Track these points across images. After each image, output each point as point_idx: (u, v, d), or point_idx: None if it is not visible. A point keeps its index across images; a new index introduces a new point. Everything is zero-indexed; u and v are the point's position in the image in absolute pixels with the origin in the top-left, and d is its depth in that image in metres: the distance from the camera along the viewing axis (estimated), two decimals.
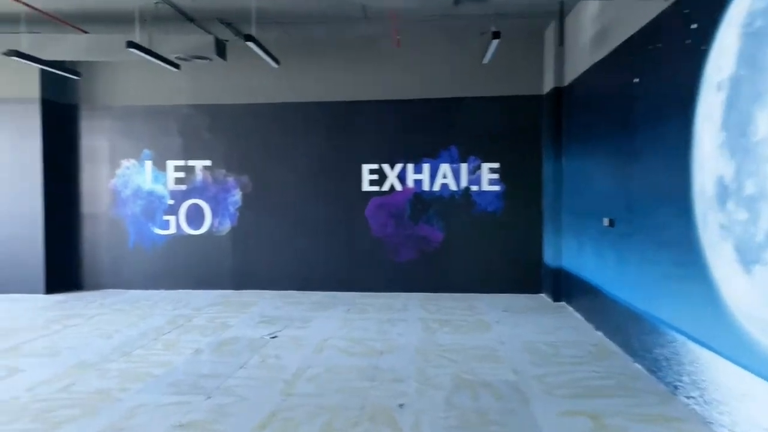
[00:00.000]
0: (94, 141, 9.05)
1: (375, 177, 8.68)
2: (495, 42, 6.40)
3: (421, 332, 6.30)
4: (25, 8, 6.98)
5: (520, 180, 8.45)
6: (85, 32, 7.89)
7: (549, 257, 8.01)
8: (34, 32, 7.75)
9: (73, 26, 7.76)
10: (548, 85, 8.06)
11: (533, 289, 8.42)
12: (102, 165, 9.05)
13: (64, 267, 8.88)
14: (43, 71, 8.38)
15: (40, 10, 7.04)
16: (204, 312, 7.39)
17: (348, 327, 6.56)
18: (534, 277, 8.41)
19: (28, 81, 8.43)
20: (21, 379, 4.79)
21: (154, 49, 6.79)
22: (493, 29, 6.24)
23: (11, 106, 8.49)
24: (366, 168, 8.68)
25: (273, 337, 6.10)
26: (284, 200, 8.80)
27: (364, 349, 5.66)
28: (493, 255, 8.48)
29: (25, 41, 7.46)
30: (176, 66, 7.39)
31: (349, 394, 4.41)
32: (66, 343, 5.93)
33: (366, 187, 8.69)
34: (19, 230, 8.52)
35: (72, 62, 8.47)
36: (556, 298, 7.82)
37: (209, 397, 4.34)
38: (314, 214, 8.75)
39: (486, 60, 7.29)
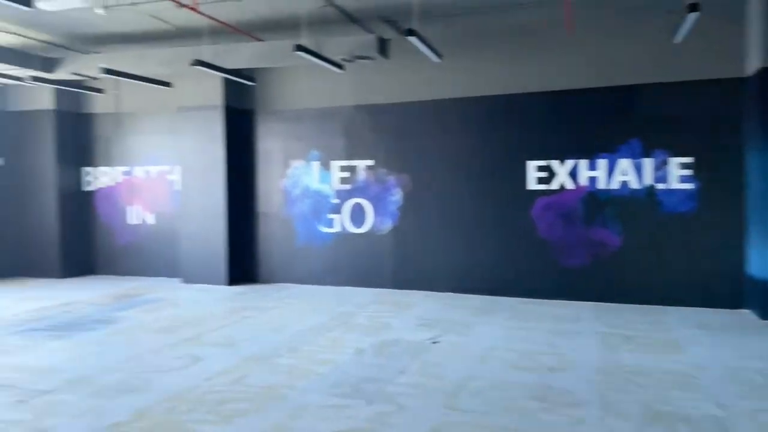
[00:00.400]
0: (268, 143, 9.62)
1: (542, 174, 8.07)
2: (692, 16, 5.49)
3: (599, 349, 5.64)
4: (208, 21, 7.55)
5: (717, 176, 7.28)
6: (260, 40, 8.37)
7: (755, 267, 6.78)
8: (215, 44, 8.40)
9: (249, 35, 8.27)
10: (753, 65, 6.81)
11: (732, 303, 7.20)
12: (274, 166, 9.58)
13: (243, 261, 9.56)
14: (224, 80, 9.08)
15: (222, 22, 7.58)
16: (366, 310, 7.42)
17: (513, 336, 6.12)
18: (733, 289, 7.19)
19: (212, 90, 9.19)
20: (201, 368, 5.10)
21: (319, 52, 6.95)
22: (691, 1, 5.35)
23: (199, 113, 9.33)
24: (532, 165, 8.11)
25: (434, 343, 5.87)
26: (444, 199, 8.56)
27: (532, 363, 5.19)
28: (681, 263, 7.42)
29: (207, 52, 8.10)
30: (340, 67, 7.50)
31: (518, 415, 4.00)
32: (241, 334, 6.28)
33: (532, 185, 8.12)
34: (207, 226, 9.34)
35: (248, 69, 9.05)
36: (765, 315, 6.59)
37: (370, 403, 4.22)
38: (475, 214, 8.39)
39: (679, 38, 6.33)
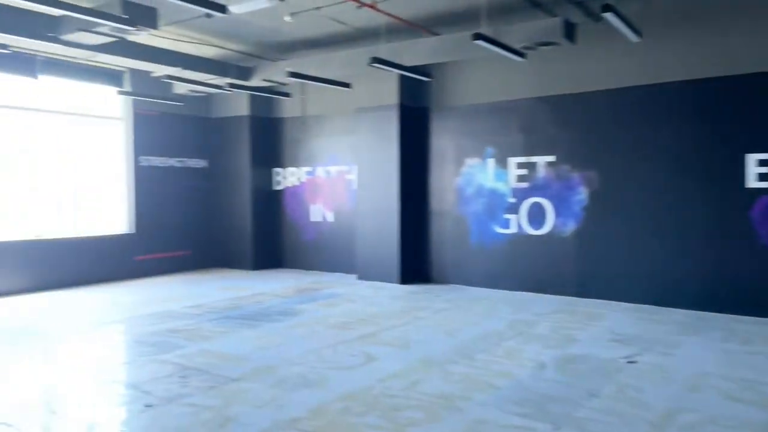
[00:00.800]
0: (442, 141, 9.41)
1: (765, 170, 6.73)
2: None
3: None
4: (385, 20, 7.54)
5: None
6: (436, 35, 8.19)
7: None
8: (392, 42, 8.39)
9: (426, 30, 8.12)
10: None
11: None
12: (448, 164, 9.35)
13: (415, 260, 9.48)
14: (400, 79, 9.07)
15: (399, 18, 7.52)
16: (545, 319, 6.83)
17: (730, 361, 5.12)
18: None
19: (388, 89, 9.24)
20: (375, 368, 5.01)
21: (500, 41, 6.52)
22: None
23: (375, 113, 9.45)
24: (752, 158, 6.81)
25: (630, 362, 5.12)
26: (638, 199, 7.58)
27: (758, 396, 4.24)
28: None
29: (385, 51, 8.11)
30: (522, 56, 7.00)
31: None
32: (414, 335, 6.12)
33: (751, 182, 6.82)
34: (381, 224, 9.43)
35: (424, 66, 8.90)
36: None
37: (558, 429, 3.72)
38: (677, 216, 7.29)
39: None
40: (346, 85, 9.09)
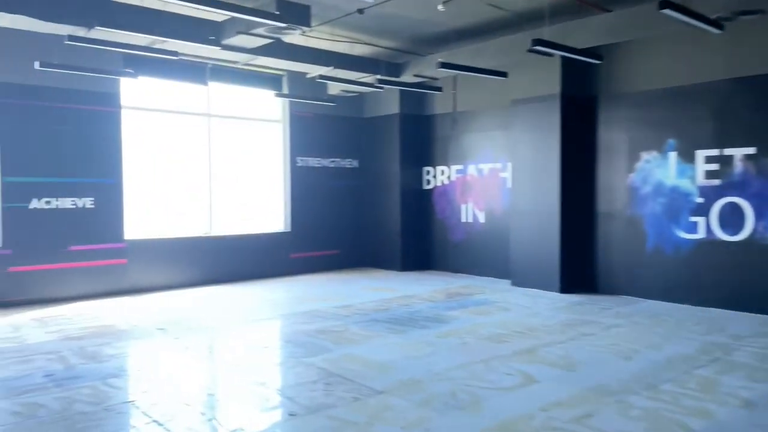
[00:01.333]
0: (611, 133, 8.35)
1: None
2: None
3: None
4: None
5: None
6: (607, 11, 7.23)
7: None
8: (555, 24, 7.58)
9: (597, 7, 7.20)
10: None
11: None
12: (619, 159, 8.26)
13: (579, 266, 8.53)
14: (562, 66, 8.18)
15: None
16: (747, 343, 5.61)
17: None
18: None
19: (548, 78, 8.39)
20: (536, 392, 4.36)
21: (692, 9, 5.46)
22: None
23: (533, 105, 8.65)
24: None
25: None
26: None
27: None
28: None
29: (548, 34, 7.34)
30: (720, 27, 5.83)
31: None
32: (581, 355, 5.33)
33: None
34: (539, 226, 8.62)
35: (594, 48, 7.89)
36: None
37: None
38: None
39: None
40: (502, 74, 8.43)
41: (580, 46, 7.33)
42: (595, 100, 8.50)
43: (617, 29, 7.01)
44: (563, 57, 7.79)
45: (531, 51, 6.82)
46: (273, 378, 4.83)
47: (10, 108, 7.60)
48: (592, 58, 7.26)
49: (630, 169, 8.13)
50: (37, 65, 7.09)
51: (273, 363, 5.25)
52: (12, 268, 7.64)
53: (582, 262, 8.56)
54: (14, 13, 6.46)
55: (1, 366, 5.05)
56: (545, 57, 8.01)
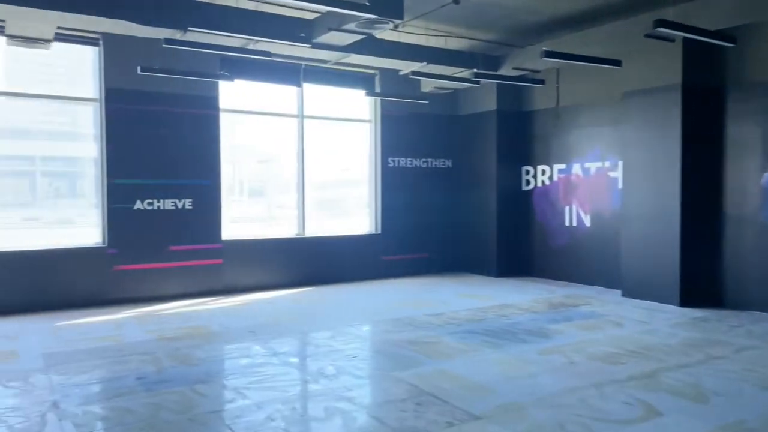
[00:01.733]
0: (742, 127, 7.32)
1: None
2: None
3: None
4: None
5: None
6: None
7: None
8: (678, 5, 6.74)
9: None
10: None
11: None
12: (752, 157, 7.22)
13: (702, 277, 7.56)
14: (685, 53, 7.27)
15: None
16: None
17: None
18: None
19: (667, 66, 7.49)
20: (661, 428, 3.72)
21: None
22: None
23: (648, 97, 7.77)
24: None
25: None
26: None
27: None
28: None
29: (671, 15, 6.53)
30: None
31: None
32: (710, 383, 4.58)
33: None
34: (655, 231, 7.74)
35: (722, 30, 6.93)
36: None
37: None
38: None
39: None
40: (616, 62, 7.63)
41: (710, 27, 6.44)
42: (722, 90, 7.49)
43: (751, 8, 6.06)
44: (685, 42, 6.91)
45: (648, 36, 6.07)
46: (360, 393, 4.52)
47: (118, 113, 7.90)
48: (725, 41, 6.33)
49: (764, 168, 7.08)
50: (138, 70, 7.30)
51: (361, 375, 4.95)
52: (117, 267, 7.94)
53: (706, 272, 7.58)
54: (113, 18, 6.65)
55: (100, 365, 5.14)
56: (663, 43, 7.15)
